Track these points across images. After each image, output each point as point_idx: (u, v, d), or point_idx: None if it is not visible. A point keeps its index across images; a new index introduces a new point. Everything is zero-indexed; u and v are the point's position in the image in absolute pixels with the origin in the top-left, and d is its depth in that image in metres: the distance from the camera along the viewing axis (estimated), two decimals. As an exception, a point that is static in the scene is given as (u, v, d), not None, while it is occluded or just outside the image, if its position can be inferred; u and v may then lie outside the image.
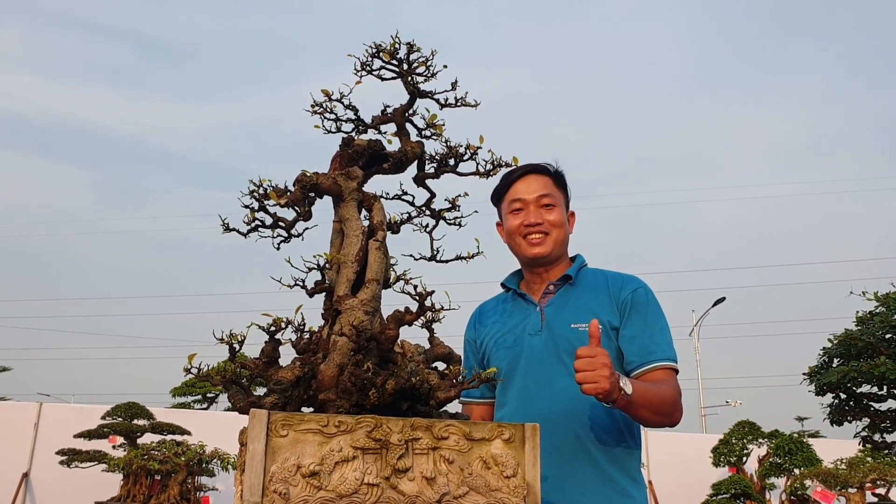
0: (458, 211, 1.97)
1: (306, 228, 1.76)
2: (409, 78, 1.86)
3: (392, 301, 1.69)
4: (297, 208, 1.75)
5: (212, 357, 1.68)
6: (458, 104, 1.88)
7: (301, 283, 1.71)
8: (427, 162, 1.92)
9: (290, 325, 1.66)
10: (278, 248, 1.79)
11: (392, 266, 1.82)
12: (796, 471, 9.11)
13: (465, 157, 1.91)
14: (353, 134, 1.93)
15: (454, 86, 1.87)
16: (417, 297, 1.63)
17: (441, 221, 1.96)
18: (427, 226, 1.96)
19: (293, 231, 1.75)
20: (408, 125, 1.91)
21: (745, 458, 13.06)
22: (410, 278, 1.64)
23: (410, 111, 1.89)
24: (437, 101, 1.88)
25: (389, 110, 1.90)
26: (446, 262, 1.99)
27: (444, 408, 1.64)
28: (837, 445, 15.38)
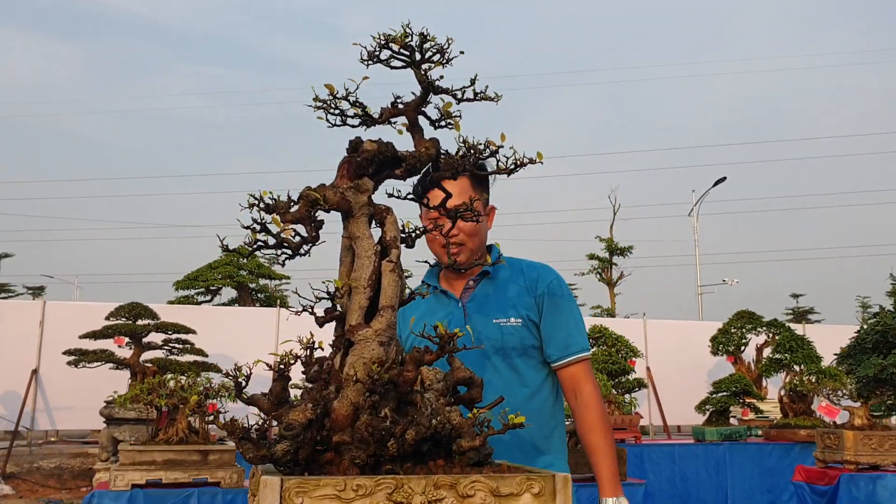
0: (474, 211, 1.79)
1: (312, 246, 1.60)
2: (422, 68, 1.66)
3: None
4: (303, 227, 1.58)
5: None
6: (478, 98, 1.68)
7: (310, 310, 1.57)
8: (443, 158, 1.74)
9: (298, 360, 1.54)
10: (283, 265, 1.64)
11: (407, 278, 1.68)
12: (796, 367, 9.22)
13: (486, 156, 1.73)
14: (362, 128, 1.73)
15: (473, 81, 1.66)
16: (438, 340, 1.50)
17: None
18: (442, 228, 1.80)
19: (300, 251, 1.59)
20: (421, 120, 1.71)
21: (743, 348, 13.28)
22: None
23: (423, 106, 1.70)
24: (454, 95, 1.68)
25: (400, 103, 1.70)
26: (463, 269, 1.84)
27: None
28: (834, 332, 15.64)
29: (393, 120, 1.74)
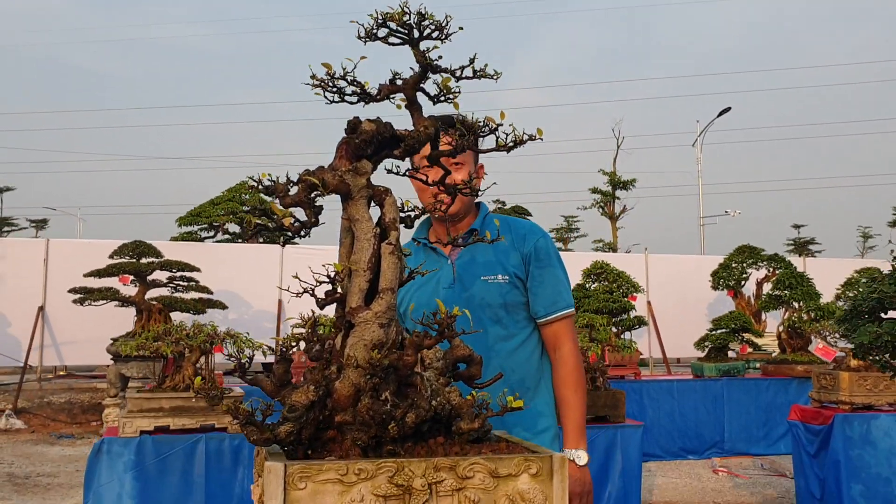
0: (472, 187, 1.79)
1: (313, 226, 1.61)
2: (420, 46, 1.64)
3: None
4: (302, 211, 1.59)
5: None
6: (478, 76, 1.66)
7: (311, 291, 1.59)
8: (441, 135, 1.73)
9: (301, 342, 1.56)
10: (283, 246, 1.65)
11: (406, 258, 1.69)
12: (795, 304, 9.29)
13: (485, 133, 1.72)
14: (360, 105, 1.72)
15: (472, 61, 1.64)
16: (438, 325, 1.52)
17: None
18: (442, 204, 1.80)
19: (300, 234, 1.60)
20: (419, 97, 1.70)
21: (743, 282, 13.36)
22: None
23: (422, 83, 1.68)
24: (454, 74, 1.66)
25: (399, 79, 1.68)
26: (465, 244, 1.85)
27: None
28: (835, 265, 15.70)
29: (392, 96, 1.73)
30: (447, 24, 1.63)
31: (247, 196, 15.06)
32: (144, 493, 4.09)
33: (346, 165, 1.63)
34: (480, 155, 2.53)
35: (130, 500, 4.07)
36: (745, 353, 9.49)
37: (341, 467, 1.39)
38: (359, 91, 1.69)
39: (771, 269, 13.60)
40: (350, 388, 1.54)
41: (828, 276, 12.08)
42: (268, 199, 1.78)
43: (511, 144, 1.71)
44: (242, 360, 1.57)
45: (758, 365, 9.35)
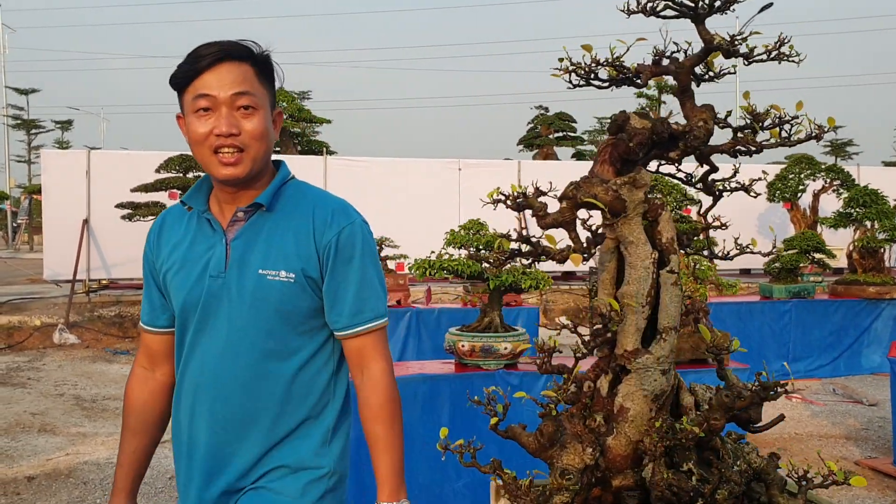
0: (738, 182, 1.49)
1: (589, 258, 1.32)
2: (704, 21, 1.31)
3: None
4: (566, 229, 1.30)
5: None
6: (775, 58, 1.34)
7: (584, 348, 1.32)
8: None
9: (569, 384, 1.31)
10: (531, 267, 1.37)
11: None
12: (867, 223, 8.92)
13: (767, 126, 1.40)
14: (609, 88, 1.41)
15: (782, 42, 1.31)
16: (752, 391, 1.25)
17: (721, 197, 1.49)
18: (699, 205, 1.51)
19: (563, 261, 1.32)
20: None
21: (800, 194, 12.94)
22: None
23: (699, 68, 1.36)
24: (743, 56, 1.34)
25: (667, 59, 1.36)
26: (730, 258, 1.56)
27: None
28: (889, 174, 15.18)
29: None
30: (744, -5, 1.29)
31: (284, 103, 14.58)
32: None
33: (609, 173, 1.33)
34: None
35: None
36: (811, 273, 9.22)
37: (651, 562, 1.16)
38: (615, 75, 1.38)
39: (828, 181, 13.17)
40: (627, 447, 1.29)
41: (885, 185, 11.62)
42: (514, 212, 1.44)
43: (799, 139, 1.40)
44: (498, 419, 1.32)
45: (825, 286, 9.08)
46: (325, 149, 12.93)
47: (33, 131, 42.42)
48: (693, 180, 1.48)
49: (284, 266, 1.80)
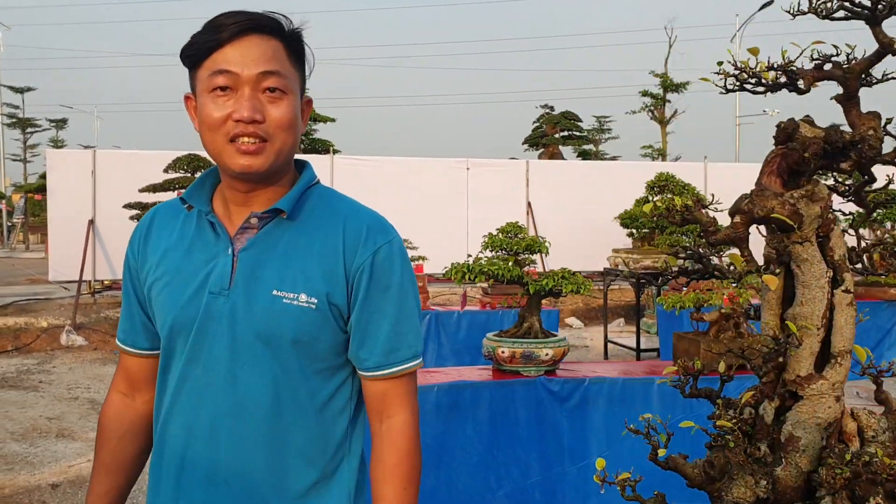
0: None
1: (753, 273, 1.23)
2: (881, 23, 1.22)
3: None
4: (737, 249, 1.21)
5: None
6: (953, 63, 1.25)
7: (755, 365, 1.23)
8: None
9: (741, 412, 1.21)
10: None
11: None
12: (888, 223, 8.86)
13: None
14: (761, 92, 1.32)
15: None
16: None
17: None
18: (851, 217, 1.42)
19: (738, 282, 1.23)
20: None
21: (811, 194, 12.89)
22: None
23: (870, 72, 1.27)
24: (923, 59, 1.25)
25: (832, 63, 1.27)
26: (883, 275, 1.47)
27: None
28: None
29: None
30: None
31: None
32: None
33: (777, 185, 1.24)
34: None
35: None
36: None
37: None
38: (774, 78, 1.29)
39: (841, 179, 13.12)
40: (798, 478, 1.20)
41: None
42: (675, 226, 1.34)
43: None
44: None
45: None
46: (331, 148, 12.79)
47: (28, 130, 42.18)
48: (846, 193, 1.39)
49: (305, 288, 1.46)
